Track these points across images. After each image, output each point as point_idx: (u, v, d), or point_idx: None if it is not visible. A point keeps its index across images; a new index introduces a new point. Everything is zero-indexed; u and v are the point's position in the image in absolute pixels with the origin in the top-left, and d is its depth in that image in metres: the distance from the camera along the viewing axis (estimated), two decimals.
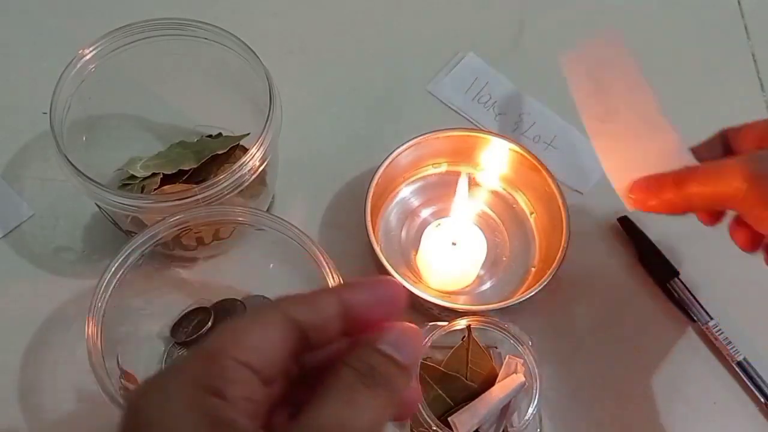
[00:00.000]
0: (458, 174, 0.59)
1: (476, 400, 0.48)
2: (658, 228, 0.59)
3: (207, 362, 0.25)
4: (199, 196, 0.48)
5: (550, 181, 0.55)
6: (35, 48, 0.65)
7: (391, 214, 0.59)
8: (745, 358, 0.55)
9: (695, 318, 0.56)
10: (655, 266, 0.58)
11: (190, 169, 0.56)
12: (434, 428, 0.46)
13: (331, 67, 0.66)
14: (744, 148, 0.44)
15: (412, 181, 0.60)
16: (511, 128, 0.64)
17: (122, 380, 0.48)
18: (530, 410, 0.47)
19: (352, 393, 0.26)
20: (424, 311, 0.53)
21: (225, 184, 0.48)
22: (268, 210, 0.58)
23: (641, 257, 0.58)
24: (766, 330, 0.57)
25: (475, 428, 0.47)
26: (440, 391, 0.49)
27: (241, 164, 0.48)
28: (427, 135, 0.56)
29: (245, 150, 0.56)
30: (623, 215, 0.60)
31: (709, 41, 0.69)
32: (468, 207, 0.56)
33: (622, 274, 0.58)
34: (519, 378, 0.49)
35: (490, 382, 0.50)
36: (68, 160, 0.48)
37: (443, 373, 0.50)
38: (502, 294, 0.56)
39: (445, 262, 0.55)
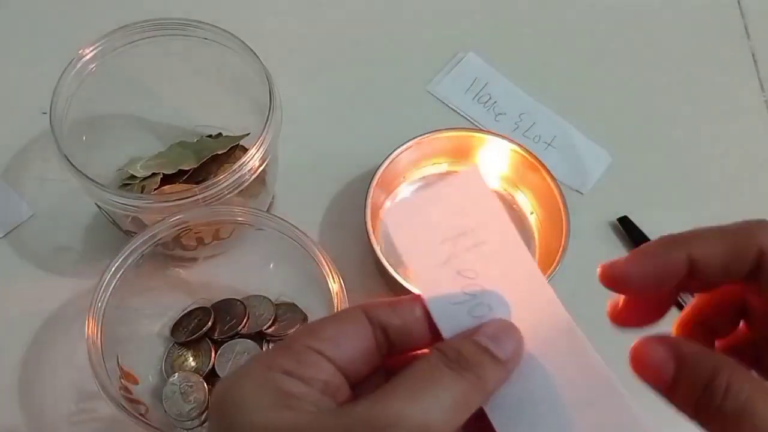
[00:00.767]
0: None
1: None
2: (658, 228, 0.59)
3: (282, 350, 0.26)
4: (199, 196, 0.48)
5: (550, 181, 0.55)
6: (35, 48, 0.65)
7: None
8: None
9: None
10: None
11: (190, 169, 0.56)
12: None
13: (331, 67, 0.66)
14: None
15: (412, 181, 0.60)
16: (511, 128, 0.64)
17: (122, 380, 0.48)
18: None
19: (433, 371, 0.26)
20: None
21: (225, 184, 0.48)
22: (268, 210, 0.58)
23: None
24: None
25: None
26: None
27: (241, 164, 0.48)
28: (427, 135, 0.56)
29: (245, 150, 0.56)
30: (623, 215, 0.60)
31: (709, 41, 0.69)
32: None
33: None
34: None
35: None
36: (68, 160, 0.48)
37: None
38: None
39: None
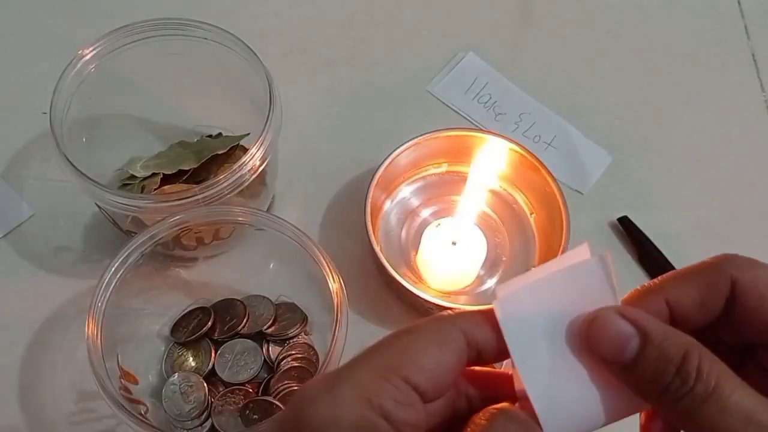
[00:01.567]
0: (459, 174, 0.59)
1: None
2: (658, 228, 0.59)
3: (380, 379, 0.25)
4: (199, 196, 0.48)
5: (550, 181, 0.55)
6: (35, 48, 0.65)
7: (391, 214, 0.59)
8: None
9: None
10: (655, 266, 0.58)
11: (190, 169, 0.56)
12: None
13: (331, 67, 0.66)
14: None
15: (412, 181, 0.60)
16: (511, 128, 0.64)
17: (122, 380, 0.48)
18: None
19: None
20: (424, 311, 0.53)
21: (225, 184, 0.48)
22: (268, 210, 0.58)
23: (641, 257, 0.58)
24: None
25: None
26: None
27: (241, 164, 0.48)
28: (427, 135, 0.56)
29: (245, 150, 0.56)
30: (623, 215, 0.60)
31: (709, 41, 0.69)
32: (468, 207, 0.56)
33: (622, 274, 0.58)
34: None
35: None
36: (68, 160, 0.48)
37: None
38: None
39: (445, 262, 0.55)
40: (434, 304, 0.51)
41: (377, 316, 0.56)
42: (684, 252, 0.58)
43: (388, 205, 0.59)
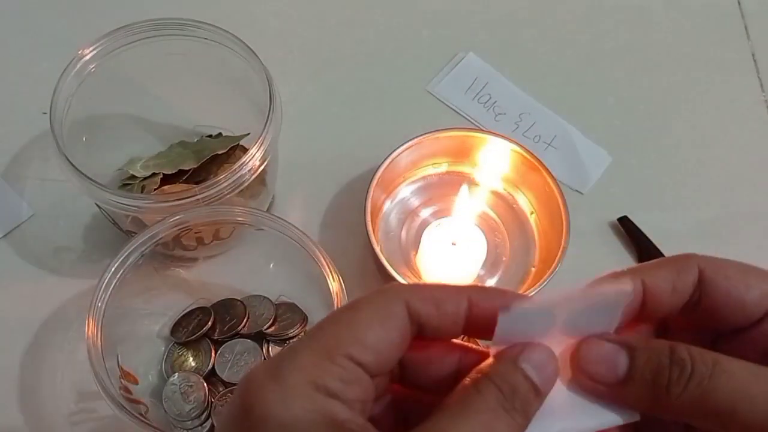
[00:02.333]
0: (459, 174, 0.59)
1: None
2: (658, 228, 0.59)
3: (323, 360, 0.25)
4: (199, 196, 0.48)
5: (550, 181, 0.55)
6: (35, 48, 0.65)
7: (391, 214, 0.59)
8: None
9: None
10: None
11: (190, 169, 0.56)
12: None
13: (331, 67, 0.66)
14: None
15: (412, 181, 0.60)
16: (511, 128, 0.64)
17: (122, 380, 0.48)
18: None
19: (492, 417, 0.25)
20: None
21: (225, 184, 0.48)
22: (268, 210, 0.58)
23: (641, 257, 0.58)
24: None
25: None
26: None
27: (241, 164, 0.48)
28: (427, 135, 0.56)
29: (245, 150, 0.56)
30: (623, 215, 0.60)
31: (709, 41, 0.69)
32: (468, 208, 0.56)
33: None
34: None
35: None
36: (68, 160, 0.48)
37: None
38: None
39: (445, 262, 0.55)
40: None
41: None
42: (684, 252, 0.58)
43: (388, 205, 0.59)
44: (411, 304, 0.26)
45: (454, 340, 0.29)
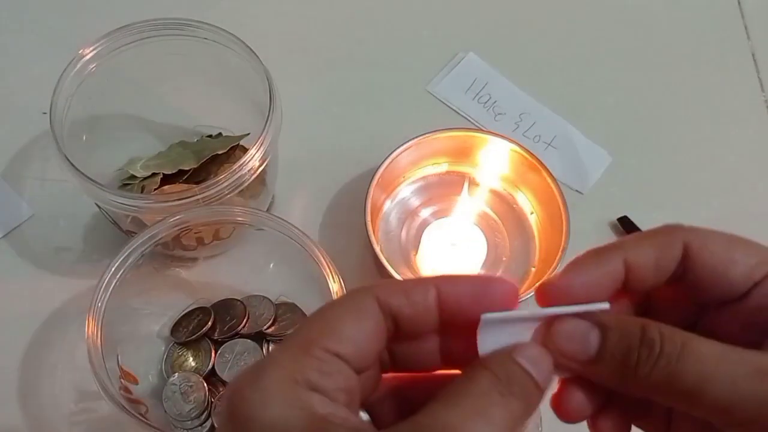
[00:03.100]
0: (458, 174, 0.59)
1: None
2: None
3: (300, 355, 0.25)
4: (199, 196, 0.48)
5: (550, 181, 0.55)
6: (35, 48, 0.65)
7: (391, 214, 0.59)
8: None
9: None
10: None
11: (190, 169, 0.56)
12: None
13: (331, 67, 0.66)
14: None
15: (412, 181, 0.60)
16: (511, 128, 0.64)
17: (122, 380, 0.48)
18: None
19: (485, 400, 0.25)
20: None
21: (225, 184, 0.48)
22: (268, 210, 0.58)
23: None
24: None
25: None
26: None
27: (241, 164, 0.48)
28: (427, 135, 0.56)
29: (245, 150, 0.56)
30: (623, 215, 0.60)
31: (709, 41, 0.69)
32: (468, 207, 0.56)
33: None
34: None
35: None
36: (68, 160, 0.48)
37: None
38: None
39: (445, 262, 0.55)
40: None
41: None
42: None
43: (388, 205, 0.59)
44: (381, 296, 0.26)
45: None
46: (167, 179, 0.56)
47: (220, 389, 0.51)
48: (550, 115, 0.64)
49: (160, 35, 0.53)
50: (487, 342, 0.27)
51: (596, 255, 0.28)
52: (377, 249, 0.52)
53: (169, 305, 0.54)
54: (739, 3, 0.70)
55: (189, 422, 0.49)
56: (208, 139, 0.59)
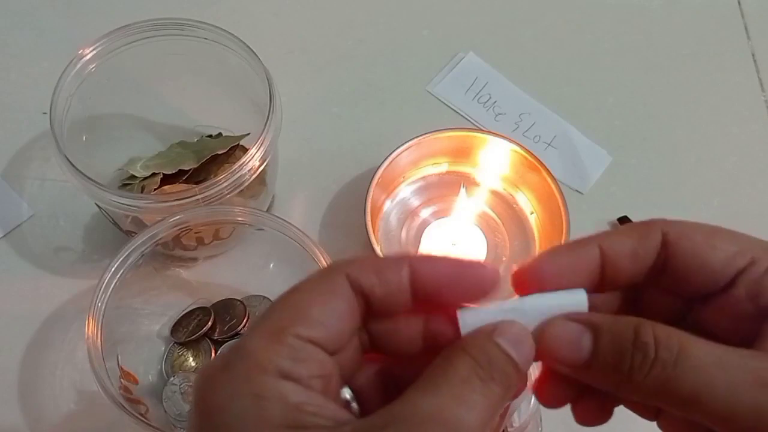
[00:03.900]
0: (458, 174, 0.59)
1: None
2: None
3: (271, 343, 0.24)
4: (199, 196, 0.48)
5: (550, 181, 0.55)
6: (35, 48, 0.65)
7: (391, 214, 0.59)
8: None
9: None
10: None
11: (190, 169, 0.56)
12: None
13: (331, 67, 0.66)
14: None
15: (412, 181, 0.60)
16: (511, 128, 0.64)
17: (122, 380, 0.48)
18: (530, 410, 0.47)
19: (465, 387, 0.24)
20: None
21: (225, 184, 0.48)
22: (268, 210, 0.58)
23: None
24: None
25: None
26: None
27: (241, 164, 0.48)
28: (427, 135, 0.56)
29: (245, 150, 0.56)
30: (623, 215, 0.60)
31: (709, 41, 0.69)
32: (468, 208, 0.56)
33: None
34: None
35: None
36: (68, 160, 0.48)
37: None
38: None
39: None
40: None
41: None
42: None
43: (388, 205, 0.59)
44: (351, 275, 0.25)
45: None
46: (167, 179, 0.56)
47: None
48: (550, 115, 0.64)
49: (160, 35, 0.53)
50: (468, 322, 0.26)
51: (572, 243, 0.27)
52: (377, 249, 0.52)
53: (169, 305, 0.54)
54: (739, 3, 0.70)
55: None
56: (208, 139, 0.59)
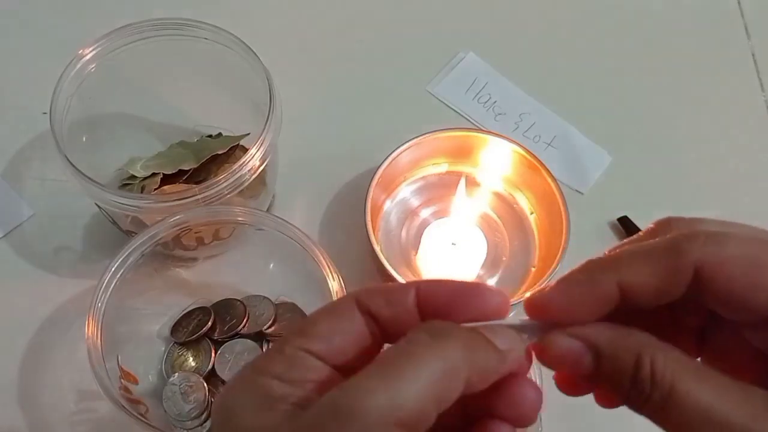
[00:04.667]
0: (458, 174, 0.59)
1: None
2: None
3: (274, 353, 0.26)
4: (199, 196, 0.48)
5: (550, 181, 0.55)
6: (35, 48, 0.65)
7: (391, 214, 0.59)
8: None
9: None
10: None
11: (190, 169, 0.56)
12: None
13: (331, 67, 0.66)
14: None
15: (412, 181, 0.60)
16: (511, 128, 0.64)
17: (122, 380, 0.48)
18: None
19: (409, 345, 0.24)
20: None
21: (225, 184, 0.48)
22: (268, 210, 0.58)
23: None
24: None
25: None
26: None
27: (241, 164, 0.48)
28: (427, 135, 0.56)
29: (245, 150, 0.56)
30: (623, 215, 0.60)
31: (709, 41, 0.69)
32: (468, 207, 0.56)
33: None
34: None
35: None
36: (68, 160, 0.48)
37: None
38: None
39: (445, 262, 0.55)
40: None
41: None
42: None
43: (388, 205, 0.59)
44: (360, 298, 0.26)
45: None
46: (167, 179, 0.56)
47: (220, 389, 0.51)
48: (550, 115, 0.64)
49: (160, 35, 0.53)
50: None
51: (588, 273, 0.26)
52: (377, 249, 0.52)
53: (169, 305, 0.54)
54: (739, 3, 0.70)
55: (189, 422, 0.49)
56: (208, 139, 0.59)
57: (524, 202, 0.59)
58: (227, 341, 0.52)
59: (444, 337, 0.24)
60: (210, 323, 0.52)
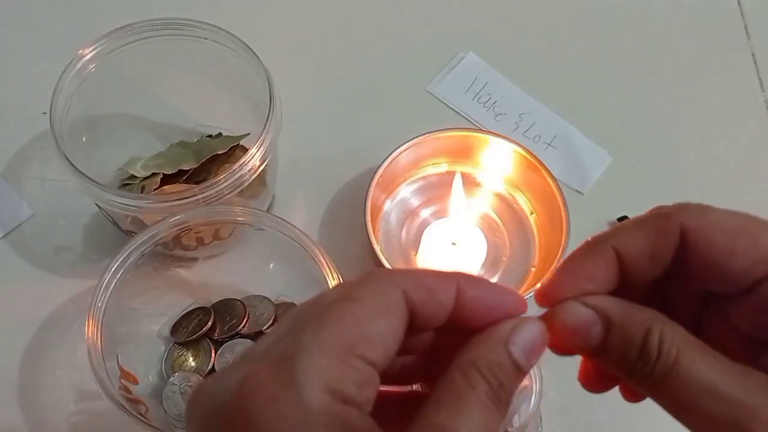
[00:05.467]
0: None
1: None
2: None
3: (339, 363, 0.23)
4: (199, 196, 0.48)
5: (550, 181, 0.55)
6: (35, 48, 0.65)
7: (391, 214, 0.59)
8: None
9: None
10: None
11: (190, 169, 0.56)
12: None
13: (330, 67, 0.66)
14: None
15: (412, 181, 0.60)
16: (511, 128, 0.64)
17: (122, 380, 0.48)
18: (530, 410, 0.47)
19: (486, 414, 0.24)
20: None
21: (225, 184, 0.48)
22: (268, 210, 0.58)
23: None
24: None
25: None
26: None
27: (241, 164, 0.48)
28: (427, 135, 0.56)
29: (245, 150, 0.56)
30: (623, 215, 0.60)
31: (709, 41, 0.69)
32: (467, 207, 0.56)
33: None
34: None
35: None
36: (68, 160, 0.48)
37: None
38: None
39: (445, 262, 0.55)
40: None
41: None
42: None
43: (388, 205, 0.59)
44: (407, 292, 0.25)
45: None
46: (167, 179, 0.56)
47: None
48: (550, 115, 0.64)
49: (160, 35, 0.53)
50: None
51: (585, 247, 0.27)
52: (377, 249, 0.52)
53: (169, 305, 0.54)
54: (739, 3, 0.70)
55: None
56: (208, 139, 0.59)
57: (524, 202, 0.59)
58: (227, 341, 0.52)
59: (499, 405, 0.24)
60: (210, 323, 0.52)
